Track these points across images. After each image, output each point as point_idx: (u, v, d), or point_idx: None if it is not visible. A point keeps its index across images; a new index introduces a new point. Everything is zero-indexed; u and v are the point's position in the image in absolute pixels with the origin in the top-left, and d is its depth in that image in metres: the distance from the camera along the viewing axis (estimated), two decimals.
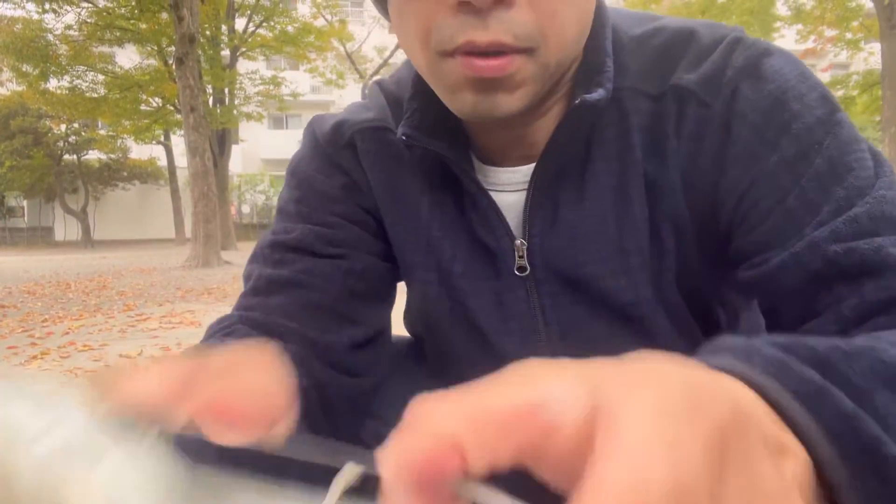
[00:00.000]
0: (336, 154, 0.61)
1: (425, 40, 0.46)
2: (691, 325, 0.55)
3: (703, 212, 0.51)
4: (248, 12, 16.77)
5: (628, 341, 0.54)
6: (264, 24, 16.92)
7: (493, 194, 0.56)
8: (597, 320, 0.55)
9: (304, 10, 18.65)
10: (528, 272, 0.56)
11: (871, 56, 16.41)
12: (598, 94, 0.49)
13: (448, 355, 0.65)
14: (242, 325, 0.54)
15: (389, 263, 0.63)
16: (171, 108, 16.69)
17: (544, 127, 0.53)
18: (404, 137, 0.54)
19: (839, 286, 0.42)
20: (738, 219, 0.48)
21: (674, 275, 0.53)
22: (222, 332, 0.53)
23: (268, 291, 0.56)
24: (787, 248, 0.44)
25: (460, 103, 0.48)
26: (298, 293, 0.56)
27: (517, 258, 0.56)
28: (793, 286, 0.44)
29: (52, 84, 16.27)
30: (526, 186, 0.54)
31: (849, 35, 15.80)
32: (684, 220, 0.52)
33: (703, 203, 0.50)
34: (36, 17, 14.48)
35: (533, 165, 0.54)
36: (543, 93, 0.49)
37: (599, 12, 0.52)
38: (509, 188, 0.56)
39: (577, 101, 0.48)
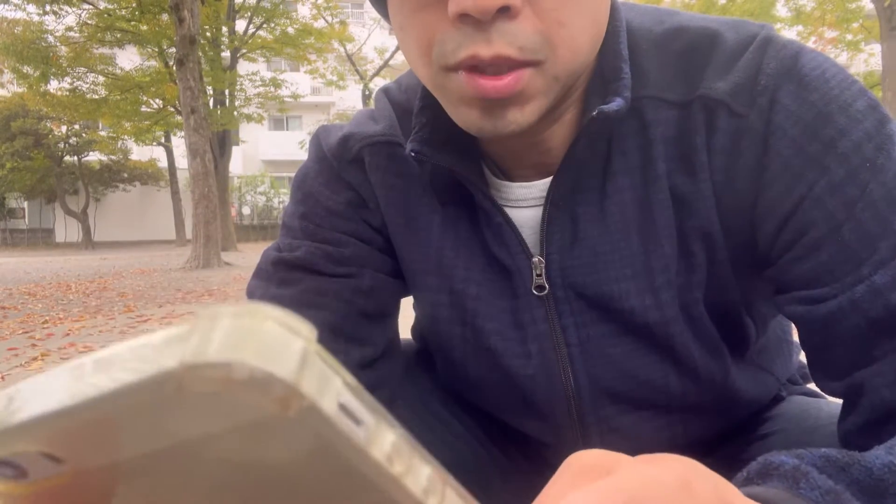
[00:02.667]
0: (343, 169, 0.58)
1: (427, 54, 0.44)
2: (716, 341, 0.53)
3: (738, 227, 0.48)
4: (249, 14, 16.79)
5: (653, 361, 0.53)
6: (265, 25, 16.94)
7: (507, 210, 0.53)
8: (620, 340, 0.53)
9: (304, 11, 18.65)
10: (546, 291, 0.53)
11: (871, 57, 16.41)
12: (616, 104, 0.46)
13: (460, 377, 0.63)
14: None
15: (397, 279, 0.60)
16: (172, 109, 16.69)
17: (558, 134, 0.50)
18: (413, 154, 0.52)
19: None
20: (782, 244, 0.45)
21: (703, 290, 0.51)
22: None
23: None
24: (844, 289, 0.41)
25: (467, 120, 0.45)
26: (305, 314, 0.54)
27: (535, 276, 0.53)
28: (848, 331, 0.42)
29: (53, 86, 16.29)
30: (542, 202, 0.52)
31: (849, 36, 15.81)
32: (716, 234, 0.49)
33: (738, 219, 0.48)
34: (36, 18, 14.51)
35: (548, 180, 0.51)
36: (556, 102, 0.46)
37: (613, 14, 0.49)
38: (525, 203, 0.53)
39: (594, 113, 0.45)
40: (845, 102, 0.43)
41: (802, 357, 0.70)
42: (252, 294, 0.57)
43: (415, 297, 0.62)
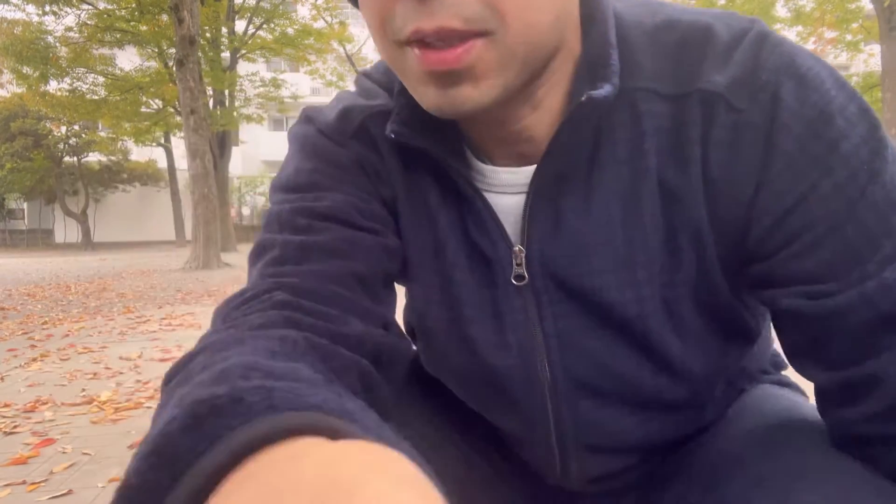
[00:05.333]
0: (347, 141, 0.56)
1: (383, 33, 0.44)
2: (702, 338, 0.52)
3: (730, 221, 0.47)
4: (249, 14, 16.79)
5: (628, 356, 0.52)
6: (264, 26, 16.94)
7: (491, 196, 0.52)
8: (597, 334, 0.52)
9: (304, 12, 18.65)
10: (526, 281, 0.52)
11: (870, 58, 16.43)
12: (605, 90, 0.45)
13: (441, 365, 0.62)
14: (281, 291, 0.46)
15: (401, 255, 0.58)
16: (172, 110, 16.70)
17: (541, 122, 0.49)
18: (393, 135, 0.51)
19: None
20: (779, 239, 0.45)
21: (689, 288, 0.50)
22: (258, 303, 0.45)
23: (299, 258, 0.49)
24: (852, 284, 0.42)
25: (424, 97, 0.45)
26: (338, 263, 0.49)
27: (515, 266, 0.52)
28: (856, 324, 0.42)
29: (53, 86, 16.29)
30: (527, 189, 0.51)
31: (849, 37, 15.82)
32: (705, 228, 0.48)
33: (730, 213, 0.47)
34: (36, 19, 14.50)
35: (535, 167, 0.50)
36: (520, 83, 0.45)
37: (599, 1, 0.49)
38: (509, 190, 0.52)
39: (583, 99, 0.45)
40: (841, 105, 0.43)
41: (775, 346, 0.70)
42: (266, 246, 0.51)
43: (410, 279, 0.60)
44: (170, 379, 0.37)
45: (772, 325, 0.52)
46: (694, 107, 0.46)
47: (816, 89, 0.43)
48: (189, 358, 0.38)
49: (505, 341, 0.55)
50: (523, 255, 0.52)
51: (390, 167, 0.56)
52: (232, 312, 0.45)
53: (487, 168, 0.53)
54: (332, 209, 0.52)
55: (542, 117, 0.49)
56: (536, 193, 0.50)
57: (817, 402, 0.48)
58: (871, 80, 15.59)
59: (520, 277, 0.53)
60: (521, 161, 0.52)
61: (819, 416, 0.49)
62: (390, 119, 0.51)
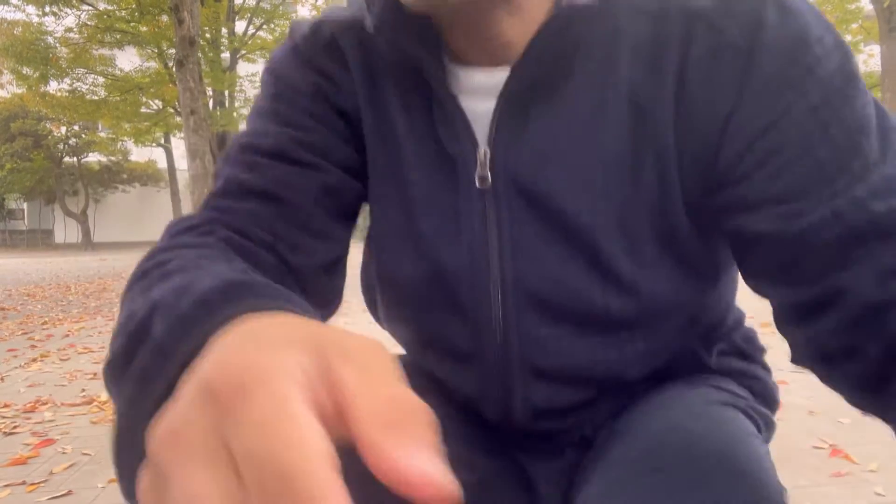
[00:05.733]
0: (315, 55, 0.58)
1: None
2: (654, 263, 0.52)
3: (700, 144, 0.48)
4: (249, 15, 16.80)
5: (579, 268, 0.52)
6: (264, 26, 16.96)
7: (463, 99, 0.53)
8: (552, 243, 0.53)
9: (304, 12, 18.66)
10: (488, 184, 0.53)
11: (870, 58, 16.44)
12: None
13: (391, 276, 0.61)
14: (222, 226, 0.50)
15: (358, 181, 0.60)
16: (172, 110, 16.71)
17: (518, 28, 0.51)
18: (373, 29, 0.52)
19: (874, 242, 0.41)
20: (751, 161, 0.46)
21: (647, 209, 0.51)
22: (200, 230, 0.50)
23: (238, 196, 0.53)
24: (822, 202, 0.43)
25: None
26: (271, 204, 0.53)
27: (479, 167, 0.53)
28: (827, 240, 0.43)
29: (53, 87, 16.30)
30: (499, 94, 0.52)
31: (848, 37, 15.83)
32: (671, 147, 0.49)
33: (702, 134, 0.48)
34: (36, 20, 14.51)
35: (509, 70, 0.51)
36: None
37: None
38: (482, 94, 0.53)
39: (563, 3, 0.47)
40: (819, 35, 0.45)
41: (749, 330, 0.69)
42: (218, 176, 0.56)
43: (371, 191, 0.60)
44: (145, 273, 0.41)
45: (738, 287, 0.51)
46: (675, 25, 0.48)
47: (797, 18, 0.45)
48: (160, 261, 0.42)
49: (458, 241, 0.55)
50: (488, 157, 0.53)
51: (357, 79, 0.58)
52: (180, 234, 0.49)
53: (462, 70, 0.54)
54: (273, 146, 0.55)
55: (521, 24, 0.50)
56: (508, 98, 0.51)
57: (777, 322, 0.48)
58: (871, 80, 15.59)
59: (483, 180, 0.53)
60: (496, 66, 0.53)
61: (741, 440, 0.50)
62: (369, 14, 0.53)
